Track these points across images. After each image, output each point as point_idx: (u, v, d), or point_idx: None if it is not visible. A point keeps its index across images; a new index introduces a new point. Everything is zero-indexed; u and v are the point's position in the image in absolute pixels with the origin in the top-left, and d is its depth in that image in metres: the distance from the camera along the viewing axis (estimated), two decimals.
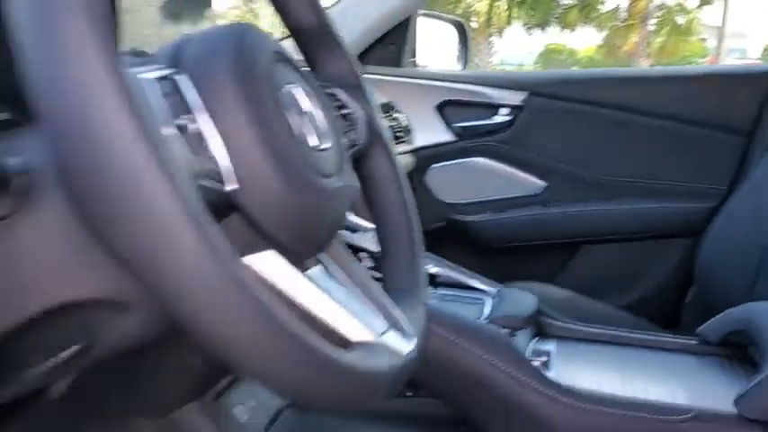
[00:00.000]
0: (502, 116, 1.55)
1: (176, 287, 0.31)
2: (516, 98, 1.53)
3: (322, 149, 0.47)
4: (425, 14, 1.68)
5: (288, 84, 0.46)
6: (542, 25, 17.82)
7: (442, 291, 0.95)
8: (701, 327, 0.89)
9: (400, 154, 1.54)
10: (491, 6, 17.32)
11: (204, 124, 0.38)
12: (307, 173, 0.43)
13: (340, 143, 0.51)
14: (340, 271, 0.50)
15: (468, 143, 1.58)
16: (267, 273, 0.41)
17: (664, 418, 0.72)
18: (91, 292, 0.42)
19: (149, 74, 0.38)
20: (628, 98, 1.49)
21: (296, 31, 0.60)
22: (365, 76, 1.62)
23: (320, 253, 0.49)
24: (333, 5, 1.60)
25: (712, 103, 1.44)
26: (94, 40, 0.29)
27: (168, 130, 0.36)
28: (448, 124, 1.58)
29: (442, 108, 1.58)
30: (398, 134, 1.54)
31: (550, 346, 0.89)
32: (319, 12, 0.59)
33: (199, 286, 0.32)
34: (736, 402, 0.73)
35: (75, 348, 0.45)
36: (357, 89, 0.62)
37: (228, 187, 0.39)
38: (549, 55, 23.54)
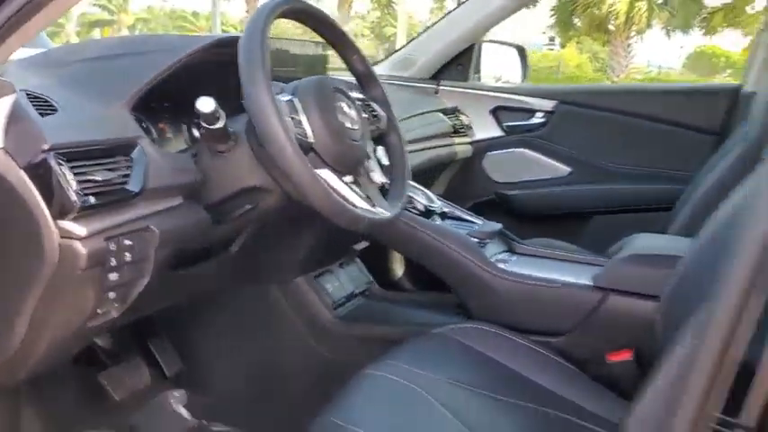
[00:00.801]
0: (538, 118, 2.10)
1: (293, 176, 0.94)
2: (549, 105, 2.08)
3: (353, 129, 1.08)
4: (489, 41, 2.25)
5: (340, 101, 1.08)
6: (684, 28, 17.34)
7: (448, 221, 1.52)
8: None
9: (461, 144, 2.13)
10: (631, 7, 17.04)
11: (301, 117, 1.01)
12: (344, 137, 1.05)
13: (364, 127, 1.12)
14: (361, 183, 1.12)
15: (513, 138, 2.14)
16: (325, 177, 1.03)
17: (552, 286, 1.27)
18: (257, 182, 1.07)
19: (283, 98, 1.02)
20: (632, 106, 1.99)
21: (355, 74, 1.22)
22: (441, 88, 2.29)
23: (352, 173, 1.10)
24: (417, 36, 2.21)
25: (692, 110, 1.91)
26: (265, 88, 0.93)
27: (288, 119, 0.99)
28: (499, 123, 2.15)
29: (495, 111, 2.15)
30: (461, 130, 2.13)
31: (513, 258, 1.44)
32: (366, 64, 1.21)
33: (300, 178, 0.94)
34: (593, 278, 1.26)
35: (248, 206, 1.09)
36: (385, 102, 1.23)
37: (310, 140, 1.01)
38: (698, 58, 22.61)
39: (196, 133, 1.26)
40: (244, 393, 1.55)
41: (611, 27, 17.43)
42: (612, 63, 17.72)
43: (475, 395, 1.10)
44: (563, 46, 21.51)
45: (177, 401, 1.54)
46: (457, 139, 2.08)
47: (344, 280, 1.60)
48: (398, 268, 1.82)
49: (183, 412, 1.54)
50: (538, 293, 1.30)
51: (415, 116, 1.90)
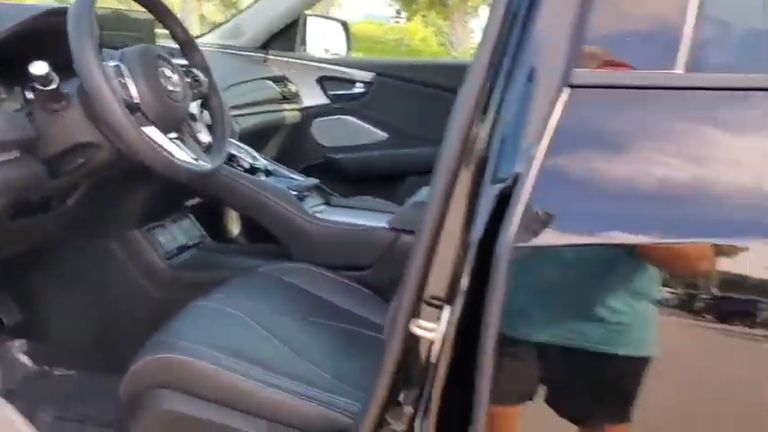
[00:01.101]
0: (358, 88, 2.34)
1: (121, 132, 1.10)
2: (368, 76, 2.32)
3: (175, 91, 1.24)
4: (315, 15, 2.45)
5: (162, 67, 1.24)
6: None
7: (272, 177, 1.73)
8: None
9: (290, 111, 2.32)
10: None
11: (127, 80, 1.16)
12: (166, 98, 1.21)
13: (185, 89, 1.29)
14: (185, 140, 1.28)
15: (337, 105, 2.36)
16: (150, 133, 1.19)
17: (355, 229, 1.53)
18: (89, 138, 1.20)
19: (111, 63, 1.16)
20: (436, 79, 2.28)
21: (177, 41, 1.37)
22: (270, 57, 2.48)
23: (176, 131, 1.27)
24: (248, 7, 2.37)
25: None
26: (93, 53, 1.07)
27: (115, 82, 1.14)
28: (325, 92, 2.36)
29: (321, 81, 2.36)
30: (289, 97, 2.32)
31: (328, 209, 1.68)
32: (186, 32, 1.37)
33: (127, 133, 1.10)
34: (388, 222, 1.53)
35: (81, 161, 1.23)
36: (205, 68, 1.40)
37: (136, 101, 1.17)
38: None
39: (30, 95, 1.36)
40: (85, 339, 1.67)
41: (449, 2, 18.16)
42: (452, 38, 18.51)
43: (291, 319, 1.32)
44: (409, 19, 22.10)
45: (18, 350, 1.64)
46: (286, 106, 2.27)
47: (177, 233, 1.76)
48: (234, 226, 2.00)
49: (25, 359, 1.65)
50: (345, 236, 1.54)
51: (244, 83, 2.06)
